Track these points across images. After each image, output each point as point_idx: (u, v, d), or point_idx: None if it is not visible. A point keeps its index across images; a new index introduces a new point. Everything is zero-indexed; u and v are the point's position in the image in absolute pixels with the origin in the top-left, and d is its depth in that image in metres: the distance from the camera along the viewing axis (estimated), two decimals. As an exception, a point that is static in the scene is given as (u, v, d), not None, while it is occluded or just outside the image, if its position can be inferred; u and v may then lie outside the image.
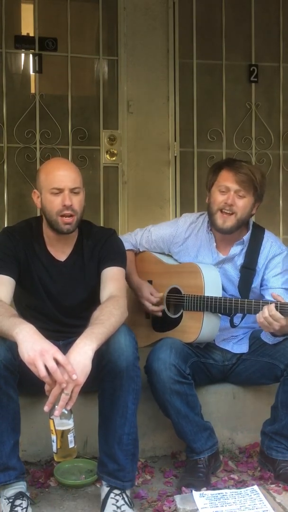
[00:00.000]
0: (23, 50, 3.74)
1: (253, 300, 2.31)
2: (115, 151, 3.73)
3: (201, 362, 2.46)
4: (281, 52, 3.99)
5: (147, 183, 3.72)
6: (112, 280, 2.26)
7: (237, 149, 3.93)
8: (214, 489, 2.22)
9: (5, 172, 3.63)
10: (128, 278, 2.50)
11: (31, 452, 2.46)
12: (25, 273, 2.30)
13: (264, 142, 3.99)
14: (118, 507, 2.03)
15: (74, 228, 2.29)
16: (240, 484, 2.32)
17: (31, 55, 3.70)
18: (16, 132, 3.65)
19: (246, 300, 2.33)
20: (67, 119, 3.73)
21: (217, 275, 2.43)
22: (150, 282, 2.61)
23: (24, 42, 3.72)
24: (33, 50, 3.69)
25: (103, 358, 2.02)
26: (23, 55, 3.79)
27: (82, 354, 1.91)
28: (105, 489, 2.09)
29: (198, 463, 2.34)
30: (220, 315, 2.41)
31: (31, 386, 1.97)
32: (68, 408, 1.89)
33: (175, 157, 3.78)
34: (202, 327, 2.38)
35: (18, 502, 2.02)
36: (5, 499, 2.04)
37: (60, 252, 2.36)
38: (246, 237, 2.48)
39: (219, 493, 2.15)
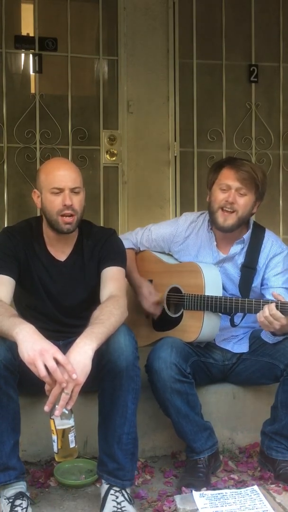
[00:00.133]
0: (23, 50, 3.74)
1: (253, 300, 2.31)
2: (115, 151, 3.73)
3: (201, 361, 2.46)
4: (281, 52, 3.99)
5: (147, 183, 3.72)
6: (112, 280, 2.26)
7: (237, 149, 3.93)
8: (214, 489, 2.21)
9: (5, 172, 3.63)
10: (128, 276, 2.50)
11: (31, 452, 2.46)
12: (25, 273, 2.30)
13: (264, 142, 3.99)
14: (118, 503, 2.04)
15: (74, 228, 2.29)
16: (240, 484, 2.32)
17: (31, 55, 3.70)
18: (16, 132, 3.65)
19: (246, 299, 2.33)
20: (67, 119, 3.72)
21: (217, 274, 2.43)
22: (151, 281, 2.61)
23: (24, 42, 3.72)
24: (33, 50, 3.69)
25: (103, 357, 2.02)
26: (23, 55, 3.79)
27: (82, 353, 1.91)
28: (105, 487, 2.09)
29: (198, 463, 2.33)
30: (220, 314, 2.41)
31: (31, 386, 1.97)
32: (69, 407, 1.89)
33: (175, 157, 3.78)
34: (203, 326, 2.37)
35: (18, 502, 2.02)
36: (5, 499, 2.04)
37: (60, 252, 2.35)
38: (247, 236, 2.48)
39: (219, 493, 2.15)
